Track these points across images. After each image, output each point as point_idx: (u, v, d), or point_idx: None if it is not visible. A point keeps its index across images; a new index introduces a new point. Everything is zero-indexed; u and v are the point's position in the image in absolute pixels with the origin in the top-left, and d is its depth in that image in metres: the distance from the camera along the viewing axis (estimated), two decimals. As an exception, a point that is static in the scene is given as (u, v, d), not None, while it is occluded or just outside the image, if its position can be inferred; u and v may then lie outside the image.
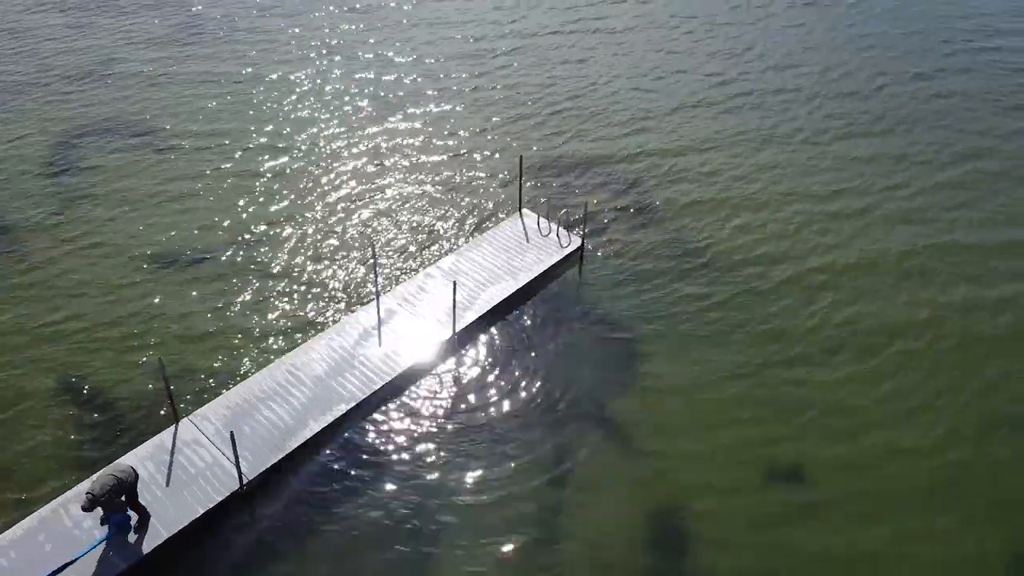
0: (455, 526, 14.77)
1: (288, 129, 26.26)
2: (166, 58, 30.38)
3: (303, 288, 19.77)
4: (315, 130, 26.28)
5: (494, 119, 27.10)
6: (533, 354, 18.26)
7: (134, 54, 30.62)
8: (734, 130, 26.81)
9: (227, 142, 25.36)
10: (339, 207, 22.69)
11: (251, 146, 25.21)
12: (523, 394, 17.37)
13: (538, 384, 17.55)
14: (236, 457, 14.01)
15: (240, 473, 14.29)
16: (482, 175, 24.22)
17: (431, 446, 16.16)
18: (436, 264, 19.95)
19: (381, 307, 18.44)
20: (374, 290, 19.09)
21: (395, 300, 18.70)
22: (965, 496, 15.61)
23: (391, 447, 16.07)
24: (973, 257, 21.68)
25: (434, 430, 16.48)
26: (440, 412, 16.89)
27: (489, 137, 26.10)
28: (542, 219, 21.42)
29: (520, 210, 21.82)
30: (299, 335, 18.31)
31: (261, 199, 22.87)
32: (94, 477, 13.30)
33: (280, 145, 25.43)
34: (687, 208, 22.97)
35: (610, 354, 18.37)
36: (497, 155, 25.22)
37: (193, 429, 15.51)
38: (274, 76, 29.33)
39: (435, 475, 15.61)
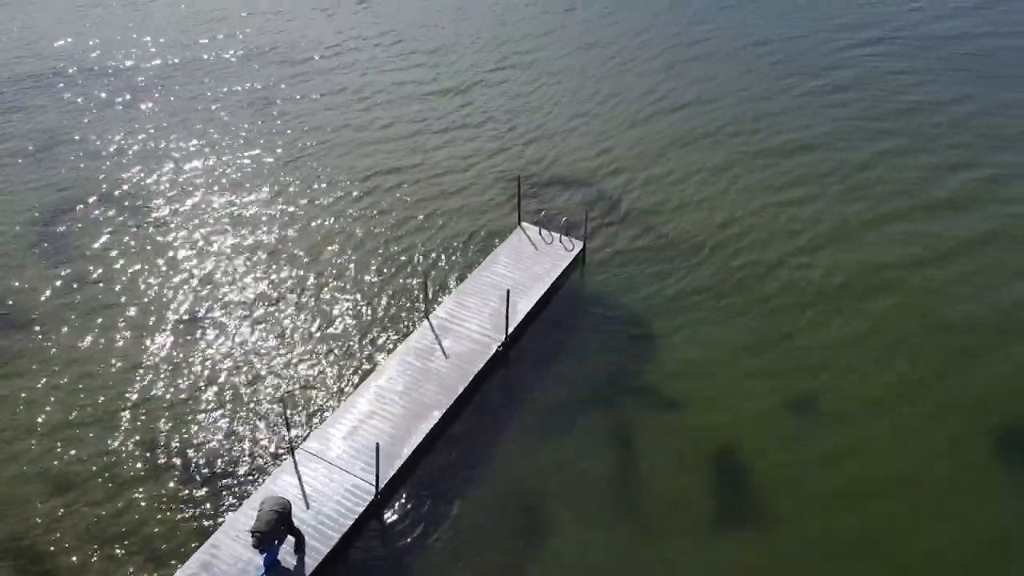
0: (553, 495, 17.22)
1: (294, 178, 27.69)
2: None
3: (366, 316, 21.56)
4: (316, 169, 27.82)
5: (472, 152, 29.42)
6: (569, 344, 20.91)
7: None
8: (683, 138, 30.04)
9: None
10: (368, 246, 24.50)
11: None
12: (574, 380, 19.98)
13: (582, 370, 20.23)
14: (377, 468, 15.86)
15: (377, 481, 16.12)
16: (474, 200, 26.59)
17: (516, 434, 18.51)
18: (469, 280, 22.20)
19: (433, 325, 20.52)
20: (423, 311, 21.13)
21: (443, 318, 20.81)
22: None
23: (483, 441, 18.28)
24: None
25: (514, 421, 18.82)
26: (513, 405, 19.24)
27: (472, 167, 28.43)
28: (543, 230, 24.03)
29: (520, 224, 24.35)
30: (367, 362, 20.17)
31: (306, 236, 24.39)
32: (256, 516, 14.75)
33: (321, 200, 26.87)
34: (665, 209, 26.09)
35: (631, 337, 21.27)
36: (479, 182, 27.65)
37: (309, 455, 17.13)
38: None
39: (525, 458, 17.97)
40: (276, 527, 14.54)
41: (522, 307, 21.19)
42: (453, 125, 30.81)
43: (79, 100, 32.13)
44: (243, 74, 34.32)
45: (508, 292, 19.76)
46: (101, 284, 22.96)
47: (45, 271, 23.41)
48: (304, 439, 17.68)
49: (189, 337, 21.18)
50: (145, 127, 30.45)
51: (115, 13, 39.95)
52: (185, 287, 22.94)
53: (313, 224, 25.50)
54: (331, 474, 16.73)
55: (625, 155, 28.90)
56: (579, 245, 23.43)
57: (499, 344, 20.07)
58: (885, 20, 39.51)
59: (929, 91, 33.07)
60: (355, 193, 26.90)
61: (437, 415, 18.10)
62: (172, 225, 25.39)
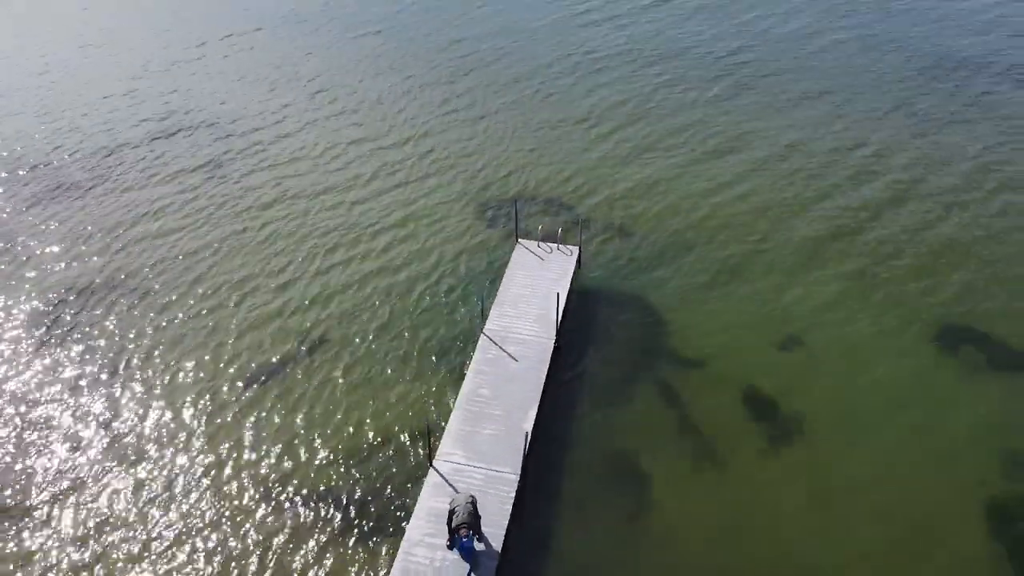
0: (639, 450, 21.30)
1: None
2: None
3: (432, 344, 24.46)
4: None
5: (449, 193, 32.59)
6: (598, 331, 25.04)
7: None
8: (630, 155, 34.75)
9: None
10: (398, 290, 27.18)
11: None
12: (616, 359, 24.14)
13: (618, 350, 24.42)
14: (525, 458, 19.16)
15: (524, 471, 19.43)
16: (470, 230, 29.98)
17: (590, 409, 22.41)
18: (499, 294, 25.61)
19: (491, 337, 23.84)
20: (480, 327, 24.38)
21: (495, 329, 24.15)
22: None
23: (569, 419, 21.98)
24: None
25: (584, 400, 22.70)
26: (579, 388, 23.08)
27: (459, 202, 31.69)
28: (540, 243, 27.82)
29: (518, 241, 27.99)
30: (451, 379, 23.26)
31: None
32: (455, 513, 17.63)
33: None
34: (638, 214, 30.72)
35: (642, 316, 25.75)
36: (468, 215, 30.98)
37: (446, 463, 20.07)
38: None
39: (606, 427, 21.92)
40: (475, 518, 17.55)
41: (538, 312, 24.97)
42: (429, 171, 34.00)
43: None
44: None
45: (558, 295, 23.49)
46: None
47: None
48: (436, 451, 20.54)
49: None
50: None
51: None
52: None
53: (334, 280, 27.94)
54: (473, 472, 19.78)
55: (587, 175, 33.31)
56: (575, 251, 27.43)
57: (554, 341, 23.74)
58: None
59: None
60: (371, 247, 29.49)
61: (535, 407, 21.54)
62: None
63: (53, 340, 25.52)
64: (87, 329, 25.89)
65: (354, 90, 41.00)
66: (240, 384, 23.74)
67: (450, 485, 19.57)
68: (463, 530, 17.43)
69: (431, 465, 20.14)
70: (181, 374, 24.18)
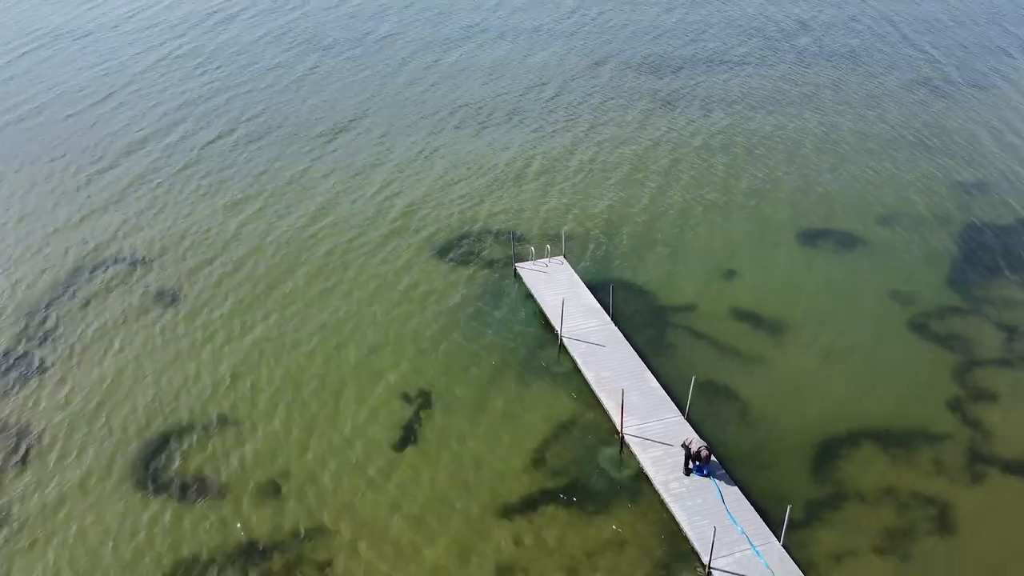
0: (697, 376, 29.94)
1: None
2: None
3: (520, 358, 29.77)
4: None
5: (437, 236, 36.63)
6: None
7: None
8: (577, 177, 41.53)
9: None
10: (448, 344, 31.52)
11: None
12: (638, 321, 32.16)
13: (634, 317, 32.50)
14: (689, 400, 26.52)
15: (688, 408, 26.81)
16: (469, 273, 34.96)
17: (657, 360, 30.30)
18: (544, 309, 31.78)
19: (566, 343, 30.20)
20: (558, 340, 30.47)
21: (566, 335, 30.48)
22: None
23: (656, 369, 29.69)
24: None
25: (651, 348, 30.47)
26: (645, 343, 30.73)
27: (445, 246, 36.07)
28: (534, 261, 34.24)
29: (515, 265, 34.14)
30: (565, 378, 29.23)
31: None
32: (692, 443, 24.52)
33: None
34: (593, 222, 38.09)
35: (629, 287, 34.03)
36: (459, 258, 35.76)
37: (634, 429, 26.62)
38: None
39: (682, 365, 30.07)
40: (709, 450, 24.66)
41: (591, 301, 32.03)
42: (407, 227, 38.21)
43: None
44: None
45: (611, 287, 30.63)
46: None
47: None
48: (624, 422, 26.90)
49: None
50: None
51: None
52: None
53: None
54: (657, 422, 26.68)
55: (533, 198, 39.98)
56: (563, 259, 34.49)
57: (613, 325, 30.94)
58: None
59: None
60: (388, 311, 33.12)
61: (648, 373, 28.75)
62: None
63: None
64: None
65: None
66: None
67: (650, 441, 26.22)
68: (704, 452, 24.47)
69: (621, 435, 26.50)
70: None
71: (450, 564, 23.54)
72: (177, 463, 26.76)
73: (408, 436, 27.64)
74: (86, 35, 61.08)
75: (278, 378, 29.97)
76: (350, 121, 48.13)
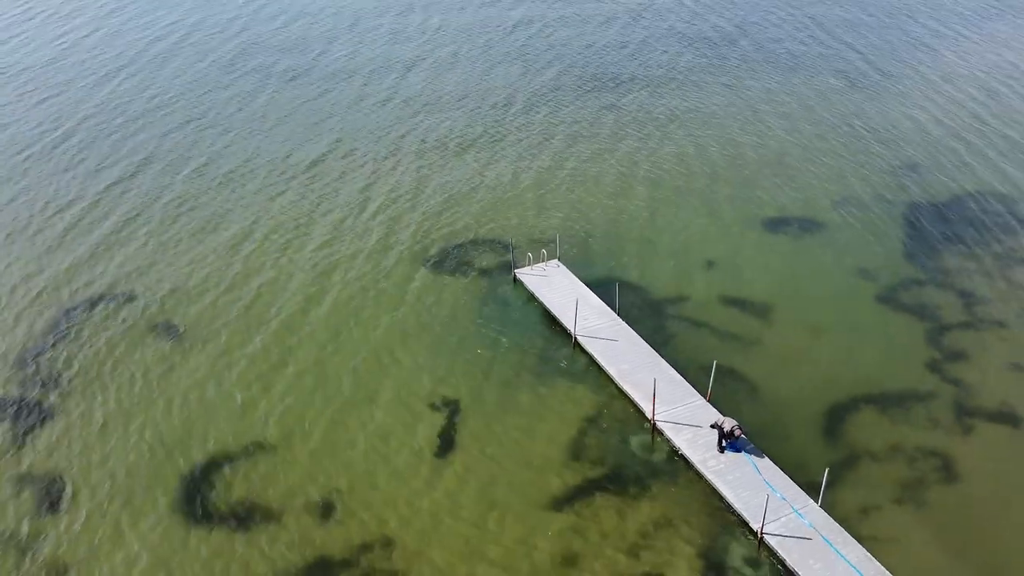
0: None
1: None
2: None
3: (535, 357, 31.04)
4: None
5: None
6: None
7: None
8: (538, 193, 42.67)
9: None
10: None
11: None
12: (637, 310, 34.06)
13: (634, 306, 34.40)
14: (711, 381, 28.46)
15: (710, 391, 28.76)
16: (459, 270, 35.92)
17: (665, 344, 32.25)
18: (553, 311, 33.20)
19: (581, 342, 31.73)
20: (572, 340, 31.95)
21: (582, 334, 31.99)
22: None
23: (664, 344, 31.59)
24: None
25: (656, 333, 32.39)
26: (650, 330, 32.60)
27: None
28: (532, 266, 35.61)
29: (514, 271, 35.44)
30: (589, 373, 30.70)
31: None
32: (725, 423, 26.42)
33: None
34: (569, 224, 39.53)
35: (620, 279, 35.89)
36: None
37: (665, 413, 28.36)
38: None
39: (693, 347, 32.12)
40: (740, 429, 26.63)
41: (595, 301, 33.66)
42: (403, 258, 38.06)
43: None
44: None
45: (617, 285, 32.31)
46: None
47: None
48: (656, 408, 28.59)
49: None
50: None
51: None
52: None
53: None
54: (683, 404, 28.50)
55: (504, 213, 41.02)
56: (558, 262, 36.02)
57: (621, 321, 32.65)
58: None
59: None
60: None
61: (661, 358, 30.61)
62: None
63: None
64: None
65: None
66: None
67: (681, 425, 28.02)
68: (737, 431, 26.43)
69: (653, 422, 28.22)
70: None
71: (516, 559, 24.64)
72: (223, 492, 26.83)
73: (447, 443, 28.53)
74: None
75: (307, 400, 30.29)
76: (329, 146, 48.18)
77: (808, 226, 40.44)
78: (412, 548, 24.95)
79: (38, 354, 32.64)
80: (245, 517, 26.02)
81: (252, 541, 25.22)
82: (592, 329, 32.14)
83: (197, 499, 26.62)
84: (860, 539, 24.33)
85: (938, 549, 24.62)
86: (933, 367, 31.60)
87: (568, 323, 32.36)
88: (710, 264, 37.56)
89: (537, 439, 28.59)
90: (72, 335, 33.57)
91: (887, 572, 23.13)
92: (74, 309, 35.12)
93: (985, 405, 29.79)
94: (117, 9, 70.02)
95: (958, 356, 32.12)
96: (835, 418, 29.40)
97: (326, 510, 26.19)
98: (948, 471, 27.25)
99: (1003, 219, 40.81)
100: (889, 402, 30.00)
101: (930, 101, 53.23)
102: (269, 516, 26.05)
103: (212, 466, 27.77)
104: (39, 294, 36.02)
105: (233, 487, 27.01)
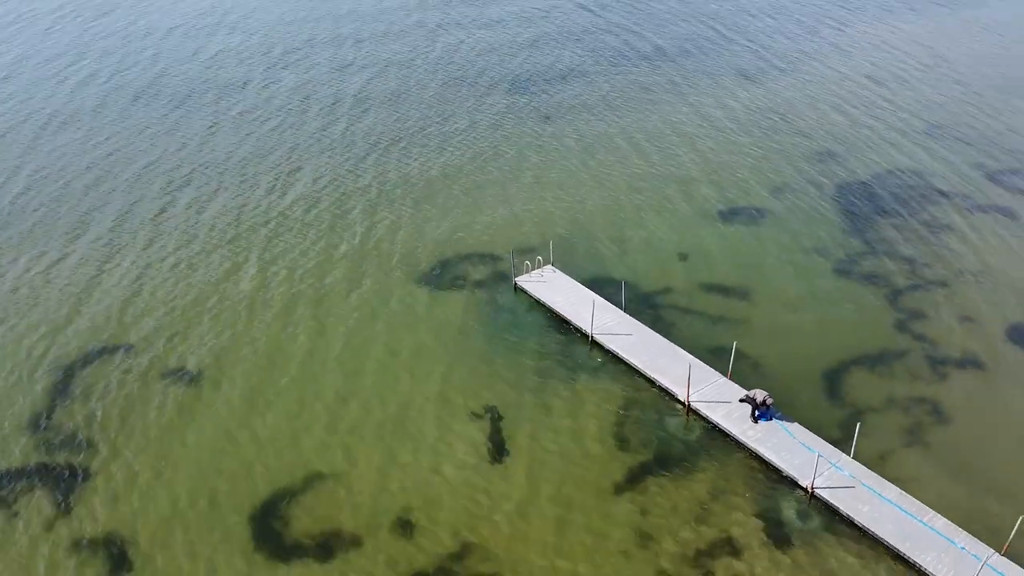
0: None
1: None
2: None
3: (555, 356, 32.95)
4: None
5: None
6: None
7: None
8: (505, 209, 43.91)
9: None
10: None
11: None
12: (637, 299, 36.77)
13: (636, 298, 37.05)
14: (731, 361, 31.35)
15: (730, 370, 31.64)
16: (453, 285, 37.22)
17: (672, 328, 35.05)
18: (564, 315, 35.17)
19: (600, 340, 33.93)
20: (589, 341, 34.01)
21: (598, 332, 34.13)
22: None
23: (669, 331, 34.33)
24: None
25: (661, 323, 35.10)
26: (654, 318, 35.28)
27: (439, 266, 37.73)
28: (530, 271, 37.45)
29: (515, 280, 37.20)
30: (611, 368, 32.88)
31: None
32: (756, 394, 29.29)
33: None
34: (554, 231, 41.35)
35: (611, 276, 38.45)
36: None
37: (697, 404, 30.96)
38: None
39: (698, 334, 35.03)
40: (770, 400, 29.59)
41: (599, 299, 35.93)
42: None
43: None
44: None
45: (623, 283, 34.62)
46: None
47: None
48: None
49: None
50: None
51: None
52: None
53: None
54: (714, 385, 31.22)
55: (482, 228, 42.25)
56: (555, 267, 38.07)
57: (629, 316, 35.07)
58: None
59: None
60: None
61: (680, 349, 33.24)
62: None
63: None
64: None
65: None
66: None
67: (713, 403, 30.72)
68: (769, 400, 29.38)
69: (688, 404, 30.79)
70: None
71: (596, 544, 26.49)
72: (298, 526, 27.19)
73: (499, 448, 29.98)
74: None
75: (353, 425, 30.92)
76: (290, 172, 48.21)
77: (755, 214, 44.34)
78: (501, 548, 26.31)
79: (52, 413, 31.54)
80: (327, 546, 26.55)
81: (342, 568, 25.82)
82: (605, 326, 34.38)
83: (274, 536, 26.86)
84: (891, 481, 27.78)
85: (949, 479, 28.42)
86: (900, 327, 35.87)
87: (581, 323, 34.53)
88: (682, 256, 40.66)
89: (581, 434, 30.50)
90: (85, 390, 32.58)
91: (922, 504, 26.63)
92: (77, 364, 33.99)
93: (951, 355, 34.22)
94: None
95: (917, 315, 36.58)
96: (832, 381, 32.98)
97: (405, 528, 27.09)
98: (939, 414, 31.29)
99: (920, 190, 46.28)
100: (872, 362, 33.90)
101: (831, 91, 58.96)
102: (351, 541, 26.70)
103: (277, 502, 28.01)
104: (42, 354, 34.66)
105: (305, 519, 27.40)
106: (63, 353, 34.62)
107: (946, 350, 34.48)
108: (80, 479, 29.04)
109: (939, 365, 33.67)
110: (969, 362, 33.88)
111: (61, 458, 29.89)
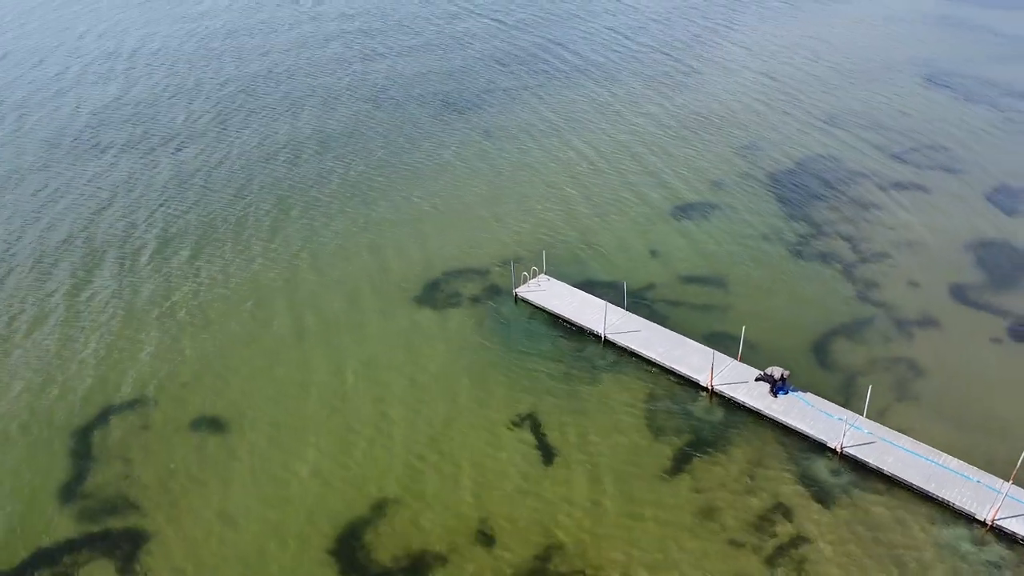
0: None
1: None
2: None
3: (575, 360, 34.71)
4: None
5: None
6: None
7: None
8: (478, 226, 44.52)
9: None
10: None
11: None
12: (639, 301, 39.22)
13: (619, 293, 39.47)
14: (741, 345, 34.23)
15: (739, 352, 34.52)
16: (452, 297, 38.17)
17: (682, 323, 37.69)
18: (571, 320, 36.98)
19: (614, 339, 35.99)
20: (602, 342, 35.94)
21: (612, 334, 36.11)
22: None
23: (670, 323, 36.95)
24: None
25: (663, 320, 37.71)
26: (651, 313, 37.75)
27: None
28: (529, 281, 38.99)
29: (515, 291, 38.66)
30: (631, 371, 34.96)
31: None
32: (774, 372, 32.21)
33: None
34: (547, 241, 42.71)
35: (605, 279, 40.71)
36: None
37: (720, 376, 33.55)
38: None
39: (701, 324, 37.80)
40: (786, 376, 32.63)
41: (600, 301, 38.00)
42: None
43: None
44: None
45: (624, 284, 36.80)
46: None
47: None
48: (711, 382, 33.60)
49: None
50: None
51: None
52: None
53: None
54: (723, 372, 33.92)
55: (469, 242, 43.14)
56: (549, 276, 39.80)
57: (631, 313, 37.34)
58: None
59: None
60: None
61: (689, 340, 35.80)
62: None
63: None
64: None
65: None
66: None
67: (733, 384, 33.41)
68: (786, 375, 32.39)
69: (711, 390, 33.36)
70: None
71: (664, 529, 28.49)
72: (381, 552, 27.59)
73: (547, 452, 31.43)
74: None
75: (404, 450, 31.48)
76: (267, 214, 47.23)
77: (705, 207, 47.84)
78: (576, 549, 27.80)
79: (87, 475, 30.17)
80: (416, 568, 27.14)
81: (438, 586, 26.57)
82: (614, 325, 36.49)
83: (360, 568, 27.15)
84: (902, 432, 31.45)
85: (944, 424, 32.39)
86: (862, 297, 40.07)
87: (592, 325, 36.49)
88: (654, 253, 43.46)
89: (620, 428, 32.42)
90: (116, 447, 31.29)
91: (933, 448, 30.36)
92: (96, 423, 32.54)
93: (911, 317, 38.66)
94: None
95: (872, 285, 40.95)
96: (819, 351, 36.57)
97: (485, 540, 28.08)
98: (916, 369, 35.42)
99: (838, 173, 51.36)
100: (847, 331, 37.80)
101: (739, 90, 63.84)
102: (436, 559, 27.43)
103: (354, 534, 28.26)
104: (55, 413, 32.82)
105: (386, 545, 27.87)
106: (76, 412, 33.02)
107: (905, 313, 38.89)
108: (136, 543, 28.09)
109: (904, 327, 37.98)
110: (927, 321, 38.39)
111: (108, 523, 28.73)
